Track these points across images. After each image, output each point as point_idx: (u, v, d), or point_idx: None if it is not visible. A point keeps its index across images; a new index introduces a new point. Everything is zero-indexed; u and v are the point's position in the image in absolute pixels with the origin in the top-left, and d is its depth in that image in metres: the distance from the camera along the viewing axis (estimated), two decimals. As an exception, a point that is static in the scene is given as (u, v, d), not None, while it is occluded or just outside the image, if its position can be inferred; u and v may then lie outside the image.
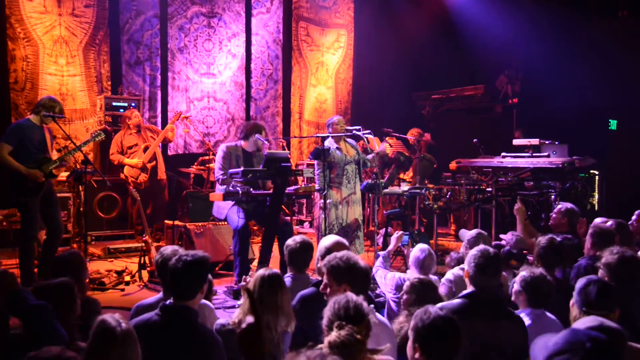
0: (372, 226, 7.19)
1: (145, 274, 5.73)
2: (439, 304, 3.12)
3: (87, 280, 5.43)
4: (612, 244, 3.82)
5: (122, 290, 5.56)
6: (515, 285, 3.25)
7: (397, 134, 7.84)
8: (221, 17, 9.41)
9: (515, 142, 8.24)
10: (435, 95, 10.62)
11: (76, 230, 7.16)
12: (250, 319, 2.67)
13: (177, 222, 6.63)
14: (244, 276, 4.00)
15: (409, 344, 2.29)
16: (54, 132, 5.72)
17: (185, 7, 9.07)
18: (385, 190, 6.60)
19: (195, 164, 8.11)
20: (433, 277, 4.21)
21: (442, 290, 3.94)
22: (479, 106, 10.28)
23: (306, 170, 5.84)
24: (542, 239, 3.89)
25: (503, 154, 7.95)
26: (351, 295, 2.54)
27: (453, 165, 8.26)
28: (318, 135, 6.39)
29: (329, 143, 6.04)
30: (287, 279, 3.72)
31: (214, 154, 7.36)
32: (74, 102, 8.11)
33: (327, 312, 2.51)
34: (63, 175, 6.89)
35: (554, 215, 4.97)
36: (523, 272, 3.26)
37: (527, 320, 3.07)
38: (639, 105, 8.68)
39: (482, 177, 7.24)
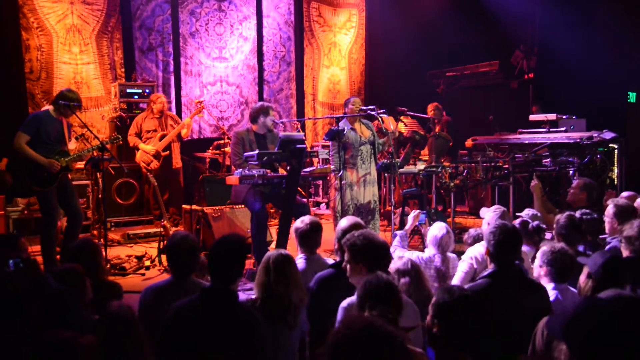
0: (389, 206, 7.18)
1: (164, 258, 5.79)
2: (466, 286, 3.11)
3: (108, 265, 5.54)
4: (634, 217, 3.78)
5: (143, 274, 5.62)
6: (537, 260, 3.24)
7: (412, 113, 7.79)
8: (232, 1, 9.36)
9: (532, 117, 8.15)
10: (450, 72, 10.52)
11: (95, 217, 7.24)
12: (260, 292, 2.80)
13: (194, 207, 6.68)
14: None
15: (428, 318, 2.31)
16: (70, 121, 5.75)
17: (195, -9, 9.04)
18: (401, 170, 6.57)
19: (211, 148, 8.14)
20: (451, 255, 4.22)
21: (464, 268, 3.93)
22: (494, 82, 10.16)
23: (321, 152, 5.83)
24: (561, 217, 3.85)
25: (520, 130, 7.87)
26: (381, 275, 2.58)
27: (469, 142, 8.20)
28: (332, 116, 6.37)
29: (343, 124, 6.02)
30: (300, 260, 3.74)
31: (229, 138, 7.38)
32: (88, 90, 8.15)
33: (359, 292, 2.56)
34: (81, 163, 6.97)
35: (571, 191, 4.92)
36: (544, 247, 3.25)
37: (552, 295, 3.06)
38: (658, 77, 8.53)
39: (498, 154, 7.18)
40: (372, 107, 6.15)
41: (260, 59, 9.74)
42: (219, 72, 9.32)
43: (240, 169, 5.41)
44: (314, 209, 8.73)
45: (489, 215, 4.24)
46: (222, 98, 9.36)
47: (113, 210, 7.53)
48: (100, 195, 6.94)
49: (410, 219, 4.94)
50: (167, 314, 2.62)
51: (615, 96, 8.76)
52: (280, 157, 5.26)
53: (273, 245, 5.89)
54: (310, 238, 3.78)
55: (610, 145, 7.06)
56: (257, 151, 5.27)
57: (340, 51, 10.67)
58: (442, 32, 10.42)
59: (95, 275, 3.32)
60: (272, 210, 7.68)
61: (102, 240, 5.60)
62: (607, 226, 4.18)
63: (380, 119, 6.07)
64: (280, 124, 7.19)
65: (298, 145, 5.19)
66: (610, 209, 4.11)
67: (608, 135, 7.05)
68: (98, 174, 6.87)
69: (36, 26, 7.79)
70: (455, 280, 3.92)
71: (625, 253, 3.38)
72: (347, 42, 10.74)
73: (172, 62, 8.87)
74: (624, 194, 4.65)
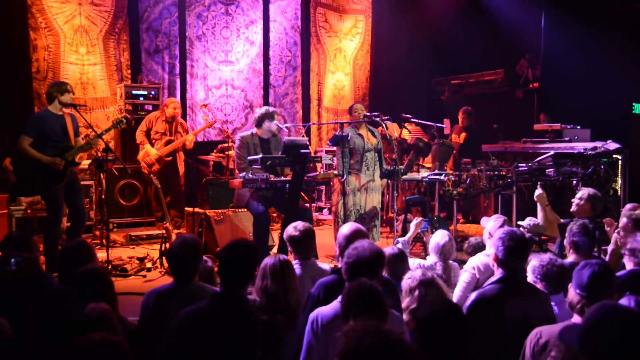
0: (392, 212, 7.18)
1: (166, 261, 5.79)
2: (477, 291, 3.10)
3: (110, 267, 5.54)
4: None
5: (144, 276, 5.62)
6: (530, 275, 3.23)
7: (416, 120, 7.79)
8: (239, 5, 9.40)
9: (537, 126, 8.14)
10: (455, 80, 10.52)
11: (98, 218, 7.26)
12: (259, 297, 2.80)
13: (197, 210, 6.68)
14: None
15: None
16: (74, 114, 5.74)
17: (203, -5, 9.08)
18: (405, 177, 6.57)
19: (215, 151, 8.16)
20: (453, 264, 4.21)
21: (466, 278, 3.92)
22: (499, 91, 10.16)
23: (325, 157, 5.83)
24: (574, 226, 3.81)
25: (524, 139, 7.86)
26: (365, 281, 2.54)
27: (473, 151, 8.18)
28: (337, 122, 6.38)
29: (350, 129, 6.03)
30: (295, 266, 3.74)
31: (233, 142, 7.40)
32: (94, 91, 8.18)
33: (342, 300, 2.53)
34: (85, 163, 6.99)
35: (575, 201, 4.91)
36: (533, 261, 3.24)
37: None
38: (663, 89, 8.51)
39: (502, 163, 7.18)
40: (376, 113, 6.16)
41: (267, 63, 9.76)
42: (225, 75, 9.34)
43: (244, 173, 5.42)
44: (316, 214, 8.73)
45: (490, 225, 4.24)
46: (227, 101, 9.38)
47: (116, 211, 7.55)
48: (103, 196, 6.95)
49: (412, 227, 4.94)
50: (177, 319, 2.61)
51: (620, 107, 8.75)
52: (284, 161, 5.26)
53: (275, 250, 5.89)
54: (303, 245, 3.76)
55: (614, 156, 7.04)
56: (260, 155, 5.28)
57: (345, 57, 10.69)
58: (447, 40, 10.43)
59: None
60: (274, 215, 7.69)
61: (104, 241, 5.60)
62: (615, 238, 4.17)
63: (384, 125, 6.08)
64: (285, 129, 7.19)
65: (302, 150, 5.19)
66: (624, 221, 4.11)
67: (612, 146, 7.04)
68: (102, 174, 6.89)
69: (44, 26, 7.83)
70: (457, 290, 3.91)
71: (629, 265, 3.36)
72: (352, 48, 10.76)
73: (178, 64, 8.90)
74: (628, 206, 4.63)
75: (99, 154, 5.92)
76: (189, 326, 2.57)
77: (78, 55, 8.08)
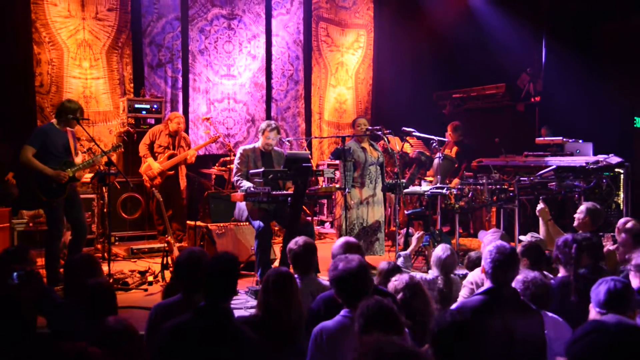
0: (393, 226, 7.17)
1: (167, 274, 5.78)
2: (459, 302, 3.11)
3: (111, 280, 5.53)
4: None
5: (145, 290, 5.61)
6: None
7: (418, 133, 7.81)
8: (241, 19, 9.46)
9: (539, 140, 8.14)
10: (456, 94, 10.55)
11: (100, 231, 7.26)
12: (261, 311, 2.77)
13: (198, 223, 6.69)
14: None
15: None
16: (77, 134, 5.80)
17: (205, 10, 9.15)
18: (406, 190, 6.57)
19: (217, 164, 8.17)
20: (455, 278, 4.20)
21: (464, 292, 3.91)
22: (501, 105, 10.17)
23: (327, 171, 5.84)
24: (558, 241, 3.82)
25: (525, 152, 7.86)
26: (380, 299, 2.55)
27: (474, 164, 8.19)
28: (339, 135, 6.40)
29: (352, 143, 6.04)
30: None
31: (235, 155, 7.42)
32: (97, 105, 8.22)
33: (358, 318, 2.52)
34: (87, 176, 7.00)
35: (577, 215, 4.90)
36: (518, 277, 3.25)
37: None
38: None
39: (504, 177, 7.17)
40: (378, 127, 6.18)
41: (269, 77, 9.81)
42: (227, 89, 9.39)
43: (244, 186, 5.43)
44: (318, 227, 8.73)
45: (488, 238, 4.23)
46: (229, 115, 9.42)
47: (117, 224, 7.56)
48: (105, 209, 6.96)
49: (414, 240, 4.94)
50: (160, 333, 2.61)
51: (621, 121, 8.76)
52: (286, 175, 5.27)
53: (276, 263, 5.88)
54: (303, 260, 3.75)
55: (617, 170, 7.04)
56: (262, 169, 5.29)
57: (347, 71, 10.74)
58: (449, 54, 10.48)
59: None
60: (276, 228, 7.69)
61: (105, 254, 5.60)
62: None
63: (386, 139, 6.10)
64: (287, 143, 7.22)
65: (304, 164, 5.20)
66: (623, 236, 4.10)
67: (614, 160, 7.03)
68: (104, 188, 6.90)
69: (48, 40, 7.89)
70: (457, 305, 3.90)
71: (634, 282, 3.34)
72: (354, 62, 10.81)
73: (180, 78, 8.95)
74: (622, 220, 4.62)
75: (102, 168, 5.94)
76: (171, 339, 2.57)
77: (81, 69, 8.13)
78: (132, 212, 7.80)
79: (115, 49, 8.36)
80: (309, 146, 9.76)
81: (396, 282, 3.17)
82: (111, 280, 5.56)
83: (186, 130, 8.66)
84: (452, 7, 10.55)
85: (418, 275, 4.20)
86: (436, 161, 6.98)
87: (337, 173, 5.98)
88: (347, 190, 5.81)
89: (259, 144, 5.82)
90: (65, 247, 5.97)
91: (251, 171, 5.46)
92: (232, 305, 4.79)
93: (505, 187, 6.59)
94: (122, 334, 2.30)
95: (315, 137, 9.97)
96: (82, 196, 6.37)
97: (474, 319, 2.63)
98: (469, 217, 8.53)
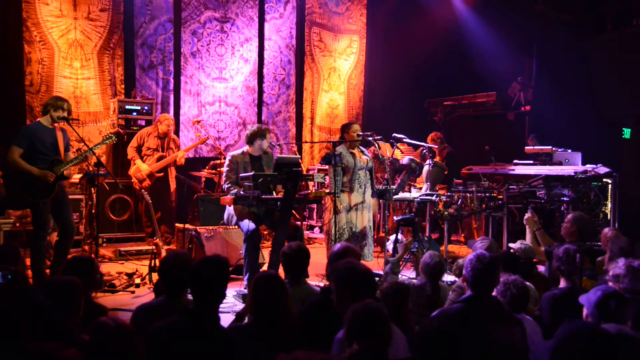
0: (382, 232, 7.18)
1: (155, 277, 5.75)
2: (438, 310, 3.12)
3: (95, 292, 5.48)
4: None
5: (133, 292, 5.58)
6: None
7: (409, 140, 7.83)
8: (234, 22, 9.46)
9: (528, 149, 8.19)
10: (447, 101, 10.60)
11: (87, 232, 7.21)
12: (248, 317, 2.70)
13: (187, 226, 6.66)
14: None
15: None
16: (65, 128, 5.72)
17: (198, 12, 9.13)
18: (396, 197, 6.58)
19: (207, 167, 8.15)
20: (443, 285, 4.21)
21: (451, 296, 3.92)
22: (491, 113, 10.24)
23: (317, 175, 5.83)
24: (558, 252, 3.83)
25: (515, 161, 7.91)
26: (370, 303, 2.53)
27: (464, 172, 8.22)
28: (330, 141, 6.40)
29: (342, 148, 6.05)
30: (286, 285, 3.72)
31: (225, 158, 7.41)
32: (87, 105, 8.18)
33: (346, 323, 2.49)
34: (76, 177, 6.95)
35: (564, 224, 4.94)
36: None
37: None
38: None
39: (493, 185, 7.21)
40: (369, 133, 6.18)
41: (260, 81, 9.81)
42: (219, 92, 9.37)
43: (234, 190, 5.42)
44: (307, 232, 8.72)
45: (477, 246, 4.25)
46: (220, 118, 9.40)
47: (105, 226, 7.51)
48: (93, 211, 6.91)
49: (399, 248, 4.94)
50: (147, 334, 2.59)
51: (610, 132, 8.84)
52: (276, 179, 5.27)
53: (265, 267, 5.86)
54: (296, 264, 3.75)
55: (605, 180, 7.09)
56: (252, 173, 5.28)
57: (339, 76, 10.76)
58: (441, 62, 10.54)
59: (86, 294, 3.29)
60: (265, 232, 7.67)
61: (93, 255, 5.55)
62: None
63: (376, 145, 6.11)
64: (277, 147, 7.22)
65: (294, 168, 5.20)
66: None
67: (602, 170, 7.08)
68: (92, 189, 6.85)
69: (39, 40, 7.84)
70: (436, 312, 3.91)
71: None
72: (347, 68, 10.84)
73: (172, 80, 8.92)
74: (610, 234, 4.66)
75: (90, 168, 5.89)
76: (157, 342, 2.54)
77: (72, 69, 8.09)
78: (121, 213, 7.75)
79: (107, 50, 8.32)
80: (299, 150, 9.76)
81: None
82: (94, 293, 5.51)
83: (177, 133, 8.64)
84: (444, 15, 10.61)
85: (406, 281, 4.21)
86: (426, 168, 7.00)
87: (327, 178, 5.97)
88: (337, 196, 5.80)
89: (247, 148, 5.82)
90: (52, 248, 5.92)
91: (241, 175, 5.45)
92: (220, 310, 4.77)
93: (495, 195, 6.62)
94: (116, 333, 2.27)
95: (306, 142, 9.98)
96: (70, 197, 6.33)
97: (452, 328, 2.64)
98: (458, 225, 8.57)
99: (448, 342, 2.25)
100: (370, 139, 6.09)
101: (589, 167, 7.11)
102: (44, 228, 5.50)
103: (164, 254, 5.70)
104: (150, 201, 6.32)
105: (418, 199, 6.60)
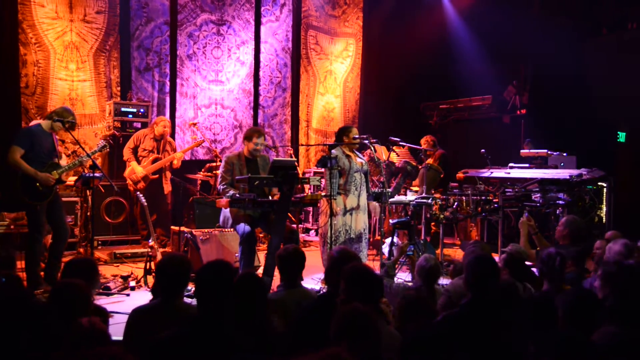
0: (378, 235, 7.18)
1: (150, 279, 5.73)
2: (441, 315, 3.11)
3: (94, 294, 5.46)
4: None
5: (128, 295, 5.56)
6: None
7: (405, 143, 7.84)
8: (230, 25, 9.46)
9: (523, 153, 8.22)
10: (443, 105, 10.62)
11: (83, 235, 7.19)
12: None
13: (183, 228, 6.65)
14: None
15: None
16: (62, 137, 5.75)
17: (195, 15, 9.13)
18: (392, 200, 6.59)
19: (202, 170, 8.14)
20: (438, 288, 4.21)
21: (441, 300, 3.92)
22: (487, 116, 10.26)
23: (313, 178, 5.83)
24: (542, 255, 3.85)
25: (510, 164, 7.93)
26: (357, 307, 2.51)
27: (460, 175, 8.24)
28: (325, 144, 6.40)
29: (337, 151, 6.05)
30: (280, 288, 3.70)
31: (221, 161, 7.40)
32: (83, 107, 8.16)
33: (334, 324, 2.47)
34: (71, 179, 6.94)
35: (558, 228, 4.96)
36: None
37: None
38: (648, 118, 8.64)
39: (489, 188, 7.22)
40: (365, 136, 6.19)
41: (256, 83, 9.81)
42: (215, 95, 9.37)
43: (230, 192, 5.41)
44: (303, 235, 8.71)
45: (469, 249, 4.26)
46: (216, 121, 9.40)
47: (101, 228, 7.49)
48: (88, 213, 6.90)
49: (395, 251, 4.94)
50: (153, 344, 2.56)
51: (605, 135, 8.87)
52: (272, 182, 5.26)
53: (261, 270, 5.85)
54: (291, 266, 3.72)
55: (600, 183, 7.12)
56: (248, 175, 5.28)
57: (335, 79, 10.77)
58: (437, 65, 10.56)
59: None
60: (261, 235, 7.66)
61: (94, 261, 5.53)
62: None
63: (372, 148, 6.11)
64: (273, 149, 7.22)
65: (290, 171, 5.20)
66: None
67: (597, 173, 7.11)
68: (88, 191, 6.83)
69: (34, 42, 7.82)
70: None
71: (602, 292, 3.35)
72: (343, 71, 10.85)
73: (168, 83, 8.91)
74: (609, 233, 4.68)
75: (86, 171, 5.88)
76: (165, 352, 2.51)
77: (68, 71, 8.07)
78: (116, 216, 7.73)
79: (103, 52, 8.31)
80: (295, 153, 9.76)
81: None
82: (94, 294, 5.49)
83: (172, 136, 8.63)
84: (440, 18, 10.64)
85: (402, 284, 4.21)
86: (422, 171, 7.01)
87: (323, 181, 5.97)
88: (333, 198, 5.80)
89: (242, 150, 5.81)
90: (46, 250, 5.90)
91: (237, 177, 5.44)
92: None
93: (490, 198, 6.63)
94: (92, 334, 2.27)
95: (302, 145, 9.98)
96: (65, 199, 6.32)
97: (452, 332, 2.63)
98: (453, 228, 8.58)
99: (444, 348, 2.24)
100: (367, 142, 6.09)
101: (584, 170, 7.14)
102: (39, 231, 5.48)
103: (159, 256, 5.69)
104: (146, 204, 6.31)
105: (414, 202, 6.60)
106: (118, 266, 6.72)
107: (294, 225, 7.62)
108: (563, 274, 3.73)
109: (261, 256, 6.18)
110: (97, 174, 5.62)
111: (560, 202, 6.54)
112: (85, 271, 3.36)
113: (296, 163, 5.70)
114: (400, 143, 7.76)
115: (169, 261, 3.15)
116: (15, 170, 5.35)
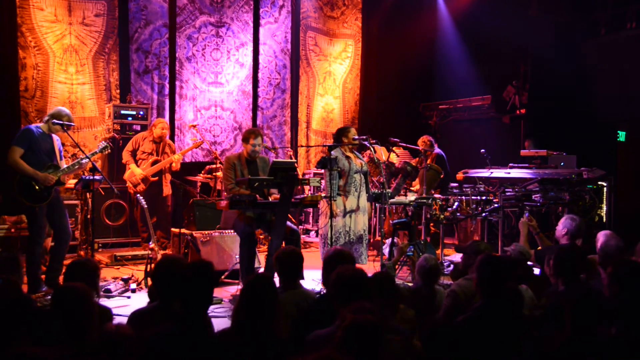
0: (379, 236, 7.17)
1: (151, 282, 5.72)
2: (460, 317, 3.08)
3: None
4: None
5: (129, 297, 5.56)
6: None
7: (404, 144, 7.84)
8: (229, 27, 9.46)
9: (523, 152, 8.21)
10: (443, 105, 10.62)
11: (83, 238, 7.19)
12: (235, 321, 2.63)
13: (183, 230, 6.65)
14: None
15: None
16: (62, 140, 5.74)
17: (193, 17, 9.14)
18: (392, 200, 6.59)
19: (202, 172, 8.13)
20: (438, 288, 4.20)
21: (446, 302, 3.91)
22: (486, 116, 10.26)
23: (313, 179, 5.83)
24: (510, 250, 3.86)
25: (510, 164, 7.92)
26: (364, 314, 2.45)
27: (460, 175, 8.23)
28: (325, 144, 6.40)
29: (337, 152, 6.05)
30: (280, 290, 3.69)
31: (221, 163, 7.40)
32: (82, 110, 8.17)
33: (339, 332, 2.41)
34: (71, 182, 6.94)
35: (557, 227, 4.97)
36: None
37: None
38: (648, 117, 8.64)
39: (489, 188, 7.21)
40: (364, 137, 6.19)
41: (255, 85, 9.81)
42: (214, 96, 9.37)
43: (232, 193, 5.41)
44: (303, 236, 8.71)
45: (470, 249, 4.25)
46: (215, 122, 9.40)
47: (101, 231, 7.49)
48: (89, 216, 6.89)
49: (398, 250, 4.94)
50: (142, 342, 2.56)
51: (605, 134, 8.86)
52: (272, 183, 5.26)
53: (261, 271, 5.85)
54: (289, 268, 3.73)
55: (600, 182, 7.11)
56: (249, 177, 5.28)
57: (335, 80, 10.77)
58: (436, 65, 10.57)
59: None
60: (261, 237, 7.66)
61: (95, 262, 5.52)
62: None
63: (372, 149, 6.11)
64: (273, 151, 7.23)
65: (290, 172, 5.20)
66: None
67: (598, 172, 7.11)
68: (88, 194, 6.83)
69: (33, 45, 7.83)
70: (441, 313, 3.90)
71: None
72: (342, 72, 10.85)
73: (167, 85, 8.91)
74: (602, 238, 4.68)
75: (86, 174, 5.88)
76: (151, 350, 2.51)
77: (67, 74, 8.08)
78: (116, 218, 7.73)
79: (102, 55, 8.32)
80: (295, 155, 9.76)
81: None
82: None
83: (172, 138, 8.64)
84: (439, 19, 10.64)
85: (402, 285, 4.21)
86: (422, 171, 7.00)
87: (323, 182, 5.97)
88: (332, 199, 5.79)
89: (242, 152, 5.81)
90: (47, 253, 5.89)
91: (238, 179, 5.45)
92: (216, 314, 4.77)
93: (490, 198, 6.63)
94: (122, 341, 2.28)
95: (301, 146, 9.98)
96: (65, 202, 6.31)
97: (462, 337, 2.63)
98: (453, 228, 8.57)
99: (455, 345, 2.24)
100: (366, 142, 6.09)
101: (584, 170, 7.13)
102: (39, 233, 5.48)
103: (159, 258, 5.68)
104: (146, 206, 6.30)
105: (414, 203, 6.60)
106: (119, 269, 6.72)
107: (295, 227, 7.63)
108: (578, 274, 3.72)
109: (262, 258, 6.17)
110: (97, 177, 5.62)
111: (561, 201, 6.53)
112: (88, 273, 3.36)
113: (296, 164, 5.70)
114: (400, 144, 7.76)
115: (166, 263, 3.15)
116: (14, 171, 5.34)
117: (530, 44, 9.45)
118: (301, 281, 3.94)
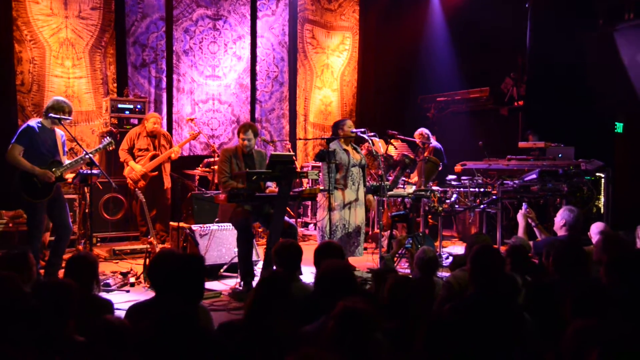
0: (377, 228, 7.18)
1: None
2: (454, 305, 3.09)
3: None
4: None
5: (127, 291, 5.56)
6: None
7: (402, 137, 7.83)
8: (226, 20, 9.43)
9: (521, 144, 8.22)
10: (441, 97, 10.61)
11: (81, 232, 7.19)
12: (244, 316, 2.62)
13: (181, 224, 6.65)
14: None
15: None
16: (63, 132, 5.69)
17: (190, 10, 9.10)
18: (390, 193, 6.59)
19: (200, 165, 8.13)
20: (437, 280, 4.21)
21: (441, 292, 3.92)
22: (484, 108, 10.26)
23: (311, 173, 5.83)
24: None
25: (508, 156, 7.93)
26: (356, 307, 2.42)
27: (458, 167, 8.24)
28: (323, 137, 6.39)
29: (335, 145, 6.04)
30: None
31: (219, 156, 7.39)
32: (79, 104, 8.14)
33: (331, 328, 2.40)
34: (69, 176, 6.93)
35: (555, 219, 4.98)
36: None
37: None
38: (645, 108, 8.63)
39: (487, 180, 7.22)
40: (362, 129, 6.18)
41: (253, 78, 9.78)
42: (212, 90, 9.35)
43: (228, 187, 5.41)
44: (302, 229, 8.71)
45: (471, 240, 4.27)
46: (213, 116, 9.37)
47: (99, 225, 7.49)
48: (87, 210, 6.89)
49: (396, 243, 4.94)
50: (134, 334, 2.56)
51: (603, 126, 8.86)
52: (270, 176, 5.25)
53: (260, 265, 5.85)
54: (288, 261, 3.73)
55: (598, 174, 7.12)
56: (246, 170, 5.27)
57: (332, 73, 10.74)
58: (434, 58, 10.54)
59: (88, 291, 3.29)
60: (259, 230, 7.66)
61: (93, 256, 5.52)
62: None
63: (370, 141, 6.10)
64: (271, 144, 7.22)
65: (288, 165, 5.19)
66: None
67: (595, 164, 7.12)
68: (86, 188, 6.82)
69: (29, 39, 7.79)
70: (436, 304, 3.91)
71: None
72: (339, 65, 10.82)
73: (164, 78, 8.88)
74: (595, 229, 4.69)
75: (84, 168, 5.86)
76: (143, 342, 2.51)
77: (63, 68, 8.05)
78: (115, 213, 7.73)
79: (99, 49, 8.28)
80: (293, 148, 9.74)
81: None
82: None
83: (170, 131, 8.62)
84: (437, 11, 10.61)
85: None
86: (420, 164, 7.00)
87: (321, 175, 5.96)
88: (330, 192, 5.79)
89: (238, 145, 5.79)
90: (45, 248, 5.88)
91: (234, 173, 5.43)
92: (214, 307, 4.78)
93: (489, 190, 6.63)
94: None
95: (299, 139, 9.96)
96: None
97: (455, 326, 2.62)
98: (452, 220, 8.58)
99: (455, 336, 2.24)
100: (364, 135, 6.08)
101: (582, 161, 7.14)
102: (39, 229, 5.46)
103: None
104: (144, 200, 6.30)
105: (412, 195, 6.60)
106: (117, 263, 6.72)
107: (293, 220, 7.63)
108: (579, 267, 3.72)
109: (260, 251, 6.18)
110: (94, 171, 5.60)
111: (559, 193, 6.54)
112: (87, 268, 3.36)
113: (294, 157, 5.69)
114: (398, 136, 7.76)
115: (162, 257, 3.15)
116: (14, 168, 5.33)
117: (528, 35, 9.43)
118: (300, 276, 3.95)
